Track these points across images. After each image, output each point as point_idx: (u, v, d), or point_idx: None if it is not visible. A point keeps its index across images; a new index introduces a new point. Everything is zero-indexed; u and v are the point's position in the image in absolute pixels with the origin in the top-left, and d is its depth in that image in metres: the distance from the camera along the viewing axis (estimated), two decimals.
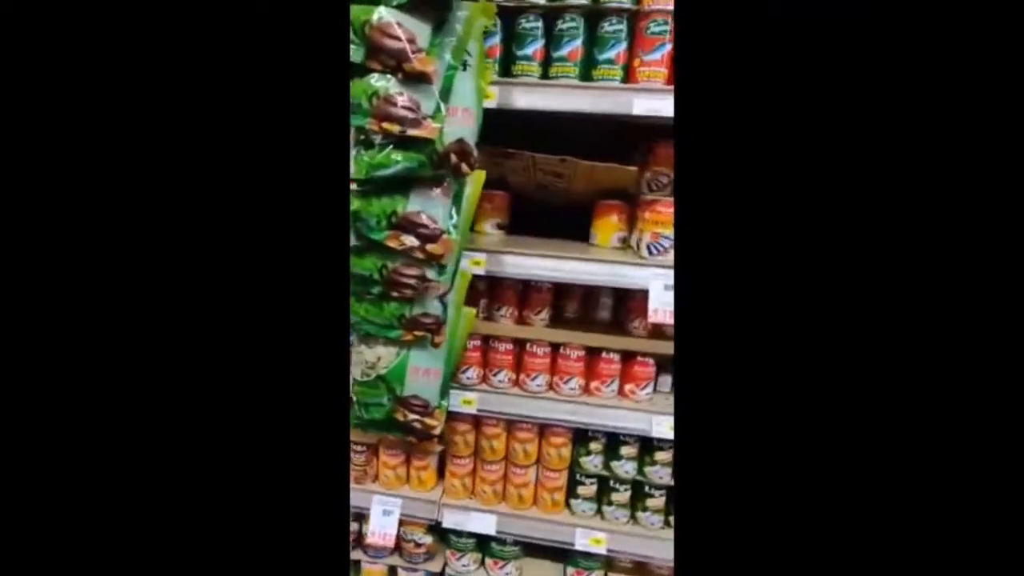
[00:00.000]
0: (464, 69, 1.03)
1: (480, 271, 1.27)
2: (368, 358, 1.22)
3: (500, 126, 1.30)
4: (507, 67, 1.21)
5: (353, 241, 1.08)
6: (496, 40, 1.18)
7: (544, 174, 1.39)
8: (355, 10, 0.91)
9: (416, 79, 0.95)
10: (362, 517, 1.53)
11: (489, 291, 1.43)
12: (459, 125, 1.00)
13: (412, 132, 0.96)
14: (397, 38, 0.91)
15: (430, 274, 1.10)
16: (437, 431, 1.23)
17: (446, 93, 1.00)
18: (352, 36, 0.93)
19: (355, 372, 1.25)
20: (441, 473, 1.52)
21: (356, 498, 1.50)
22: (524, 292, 1.41)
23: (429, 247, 1.05)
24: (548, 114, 1.18)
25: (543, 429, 1.42)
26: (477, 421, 1.43)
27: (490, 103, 1.15)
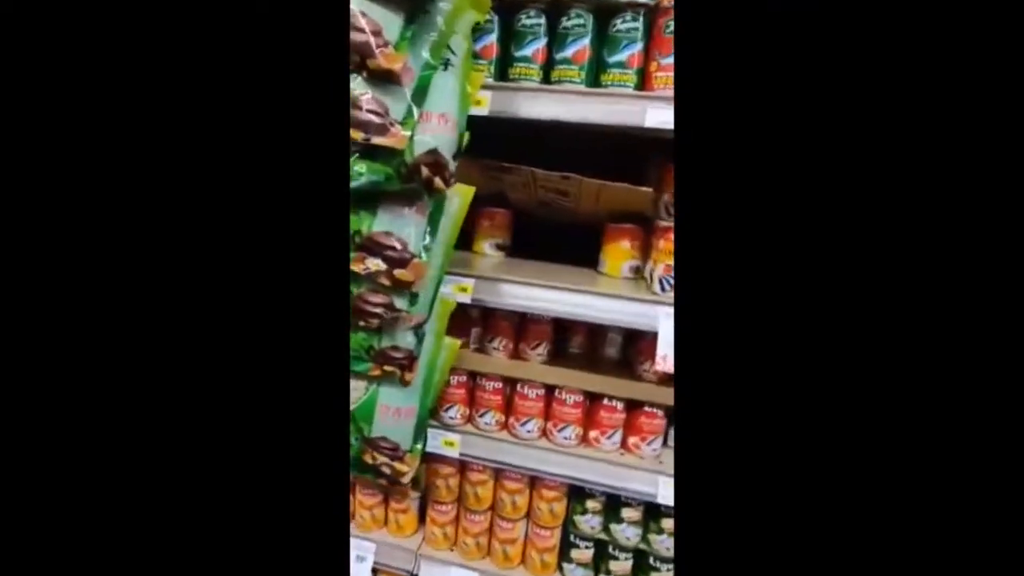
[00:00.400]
0: (445, 69, 0.89)
1: (466, 299, 1.12)
2: None
3: (498, 136, 1.15)
4: (504, 70, 1.06)
5: None
6: (492, 38, 1.03)
7: (546, 191, 1.23)
8: None
9: (383, 78, 0.81)
10: None
11: (483, 319, 1.27)
12: (434, 133, 0.86)
13: (377, 140, 0.82)
14: (360, 30, 0.78)
15: (399, 303, 0.95)
16: (406, 479, 1.08)
17: (421, 95, 0.86)
18: None
19: None
20: (423, 518, 1.37)
21: None
22: (521, 323, 1.25)
23: (397, 272, 0.91)
24: (550, 124, 1.03)
25: (534, 480, 1.24)
26: (462, 465, 1.27)
27: (481, 110, 1.01)
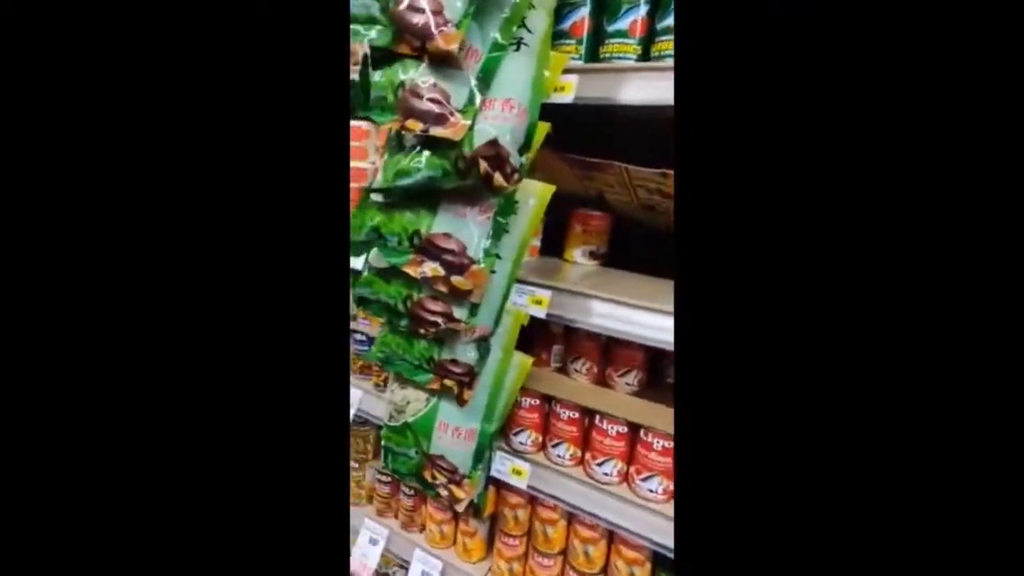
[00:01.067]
0: (517, 49, 0.77)
1: (541, 312, 0.98)
2: (397, 399, 1.03)
3: (592, 126, 1.00)
4: (595, 48, 0.91)
5: (379, 263, 0.90)
6: (583, 13, 0.89)
7: (647, 192, 1.04)
8: None
9: (443, 61, 0.73)
10: (405, 569, 1.36)
11: (565, 336, 1.13)
12: (496, 121, 0.75)
13: (435, 131, 0.74)
14: (420, 10, 0.70)
15: (458, 312, 0.86)
16: (461, 506, 0.98)
17: (485, 80, 0.75)
18: (378, 15, 0.75)
19: (384, 413, 1.07)
20: (492, 545, 1.26)
21: (399, 546, 1.34)
22: (610, 344, 1.07)
23: (455, 279, 0.82)
24: (648, 109, 0.85)
25: (612, 533, 1.06)
26: (532, 497, 1.14)
27: (564, 97, 0.87)
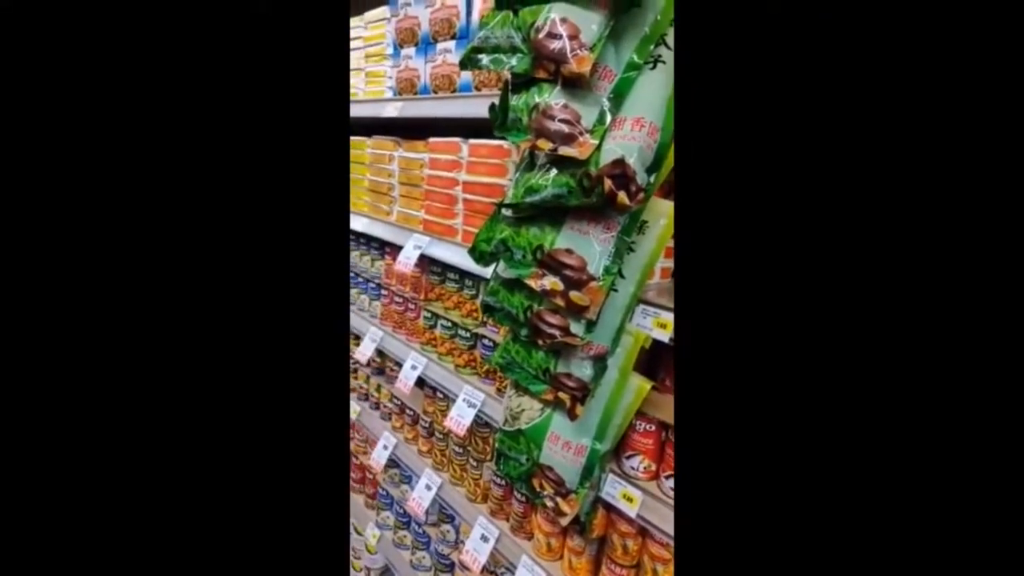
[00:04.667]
0: (653, 68, 0.77)
1: (664, 337, 0.94)
2: (512, 405, 1.07)
3: None
4: None
5: (505, 274, 0.96)
6: None
7: None
8: (524, 12, 0.79)
9: (576, 84, 0.75)
10: (510, 572, 1.40)
11: None
12: (626, 141, 0.75)
13: (563, 150, 0.76)
14: (557, 36, 0.74)
15: (575, 327, 0.87)
16: (566, 520, 0.98)
17: (618, 100, 0.76)
18: (520, 44, 0.81)
19: (499, 416, 1.13)
20: (599, 568, 1.24)
21: (508, 548, 1.38)
22: None
23: (572, 295, 0.83)
24: None
25: None
26: (644, 529, 1.09)
27: None
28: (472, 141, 1.27)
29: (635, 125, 0.75)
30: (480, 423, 1.44)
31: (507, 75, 0.86)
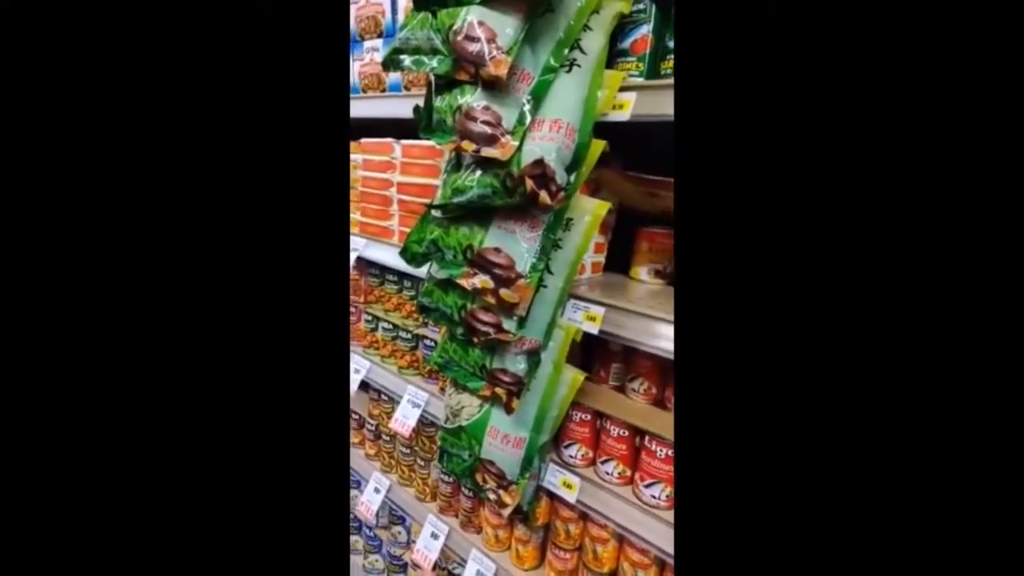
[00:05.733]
0: (569, 71, 0.80)
1: (593, 329, 0.98)
2: (452, 403, 1.09)
3: (654, 143, 0.99)
4: (656, 65, 0.90)
5: (438, 274, 0.97)
6: (646, 30, 0.89)
7: None
8: (442, 15, 0.80)
9: (495, 86, 0.77)
10: (460, 566, 1.41)
11: (624, 354, 1.11)
12: (545, 142, 0.78)
13: (485, 152, 0.78)
14: (475, 39, 0.76)
15: (507, 324, 0.89)
16: (507, 511, 1.01)
17: (536, 102, 0.78)
18: (440, 46, 0.81)
19: (442, 415, 1.14)
20: (545, 555, 1.28)
21: (458, 544, 1.40)
22: (669, 365, 1.05)
23: (503, 292, 0.85)
24: None
25: (664, 563, 1.02)
26: (584, 513, 1.14)
27: (622, 115, 0.88)
28: (405, 142, 1.26)
29: (553, 126, 0.78)
30: (425, 423, 1.44)
31: (430, 76, 0.86)
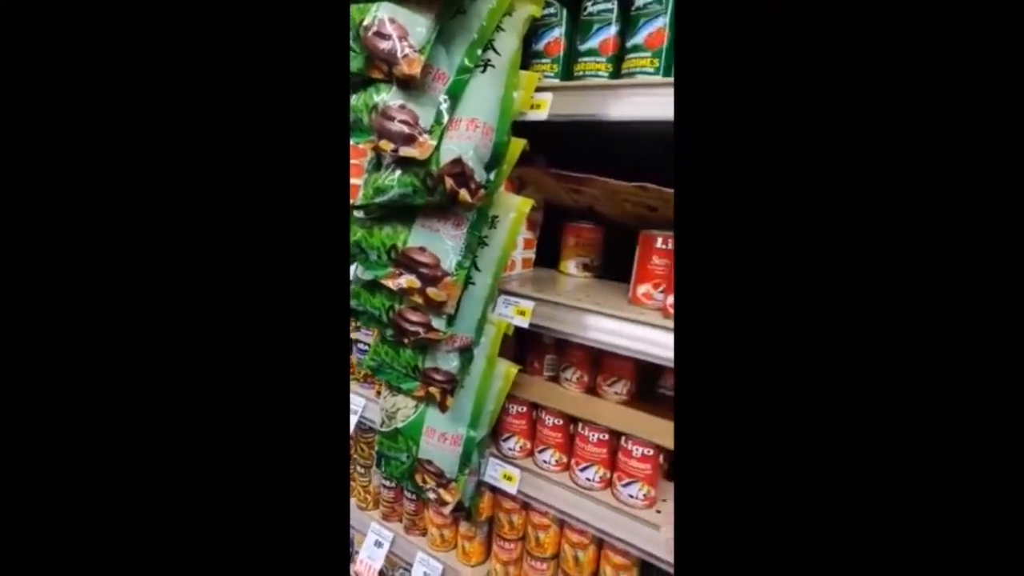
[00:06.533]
0: (484, 71, 0.81)
1: (523, 323, 1.01)
2: (388, 406, 1.07)
3: (576, 141, 1.03)
4: (569, 67, 0.94)
5: (364, 276, 0.95)
6: (558, 33, 0.92)
7: (633, 205, 1.05)
8: (352, 10, 0.79)
9: (410, 85, 0.77)
10: (408, 571, 1.40)
11: (556, 346, 1.15)
12: (463, 141, 0.79)
13: (404, 151, 0.78)
14: (386, 36, 0.75)
15: (436, 323, 0.90)
16: (448, 508, 1.01)
17: (452, 101, 0.79)
18: (352, 42, 0.80)
19: (377, 419, 1.12)
20: (490, 546, 1.29)
21: (403, 548, 1.38)
22: (599, 354, 1.09)
23: (429, 291, 0.86)
24: (623, 125, 0.87)
25: (602, 540, 1.07)
26: (525, 503, 1.16)
27: (539, 114, 0.90)
28: None
29: (470, 125, 0.79)
30: (363, 428, 1.41)
31: None
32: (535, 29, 0.93)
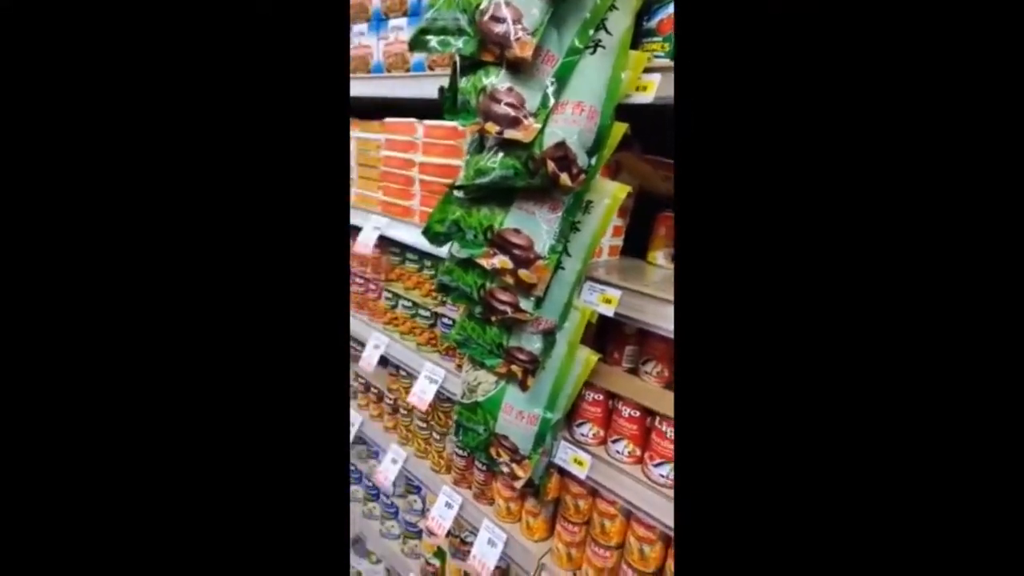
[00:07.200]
0: (593, 52, 0.80)
1: (609, 311, 1.00)
2: (469, 379, 1.12)
3: (672, 125, 0.99)
4: None
5: (459, 254, 0.99)
6: (671, 10, 0.88)
7: None
8: None
9: (520, 68, 0.78)
10: (474, 535, 1.47)
11: (639, 337, 1.13)
12: (567, 125, 0.78)
13: (508, 134, 0.79)
14: (501, 20, 0.76)
15: (524, 303, 0.91)
16: (519, 483, 1.05)
17: (560, 84, 0.79)
18: (467, 26, 0.82)
19: (458, 390, 1.17)
20: (554, 527, 1.32)
21: (471, 514, 1.45)
22: None
23: (521, 272, 0.87)
24: None
25: (670, 539, 1.05)
26: (594, 489, 1.17)
27: (645, 97, 0.87)
28: (427, 122, 1.27)
29: (576, 109, 0.79)
30: (442, 398, 1.48)
31: (455, 57, 0.87)
32: (648, 5, 0.89)
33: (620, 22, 0.81)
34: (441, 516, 1.48)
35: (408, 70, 1.33)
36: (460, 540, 1.53)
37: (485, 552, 1.38)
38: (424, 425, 1.58)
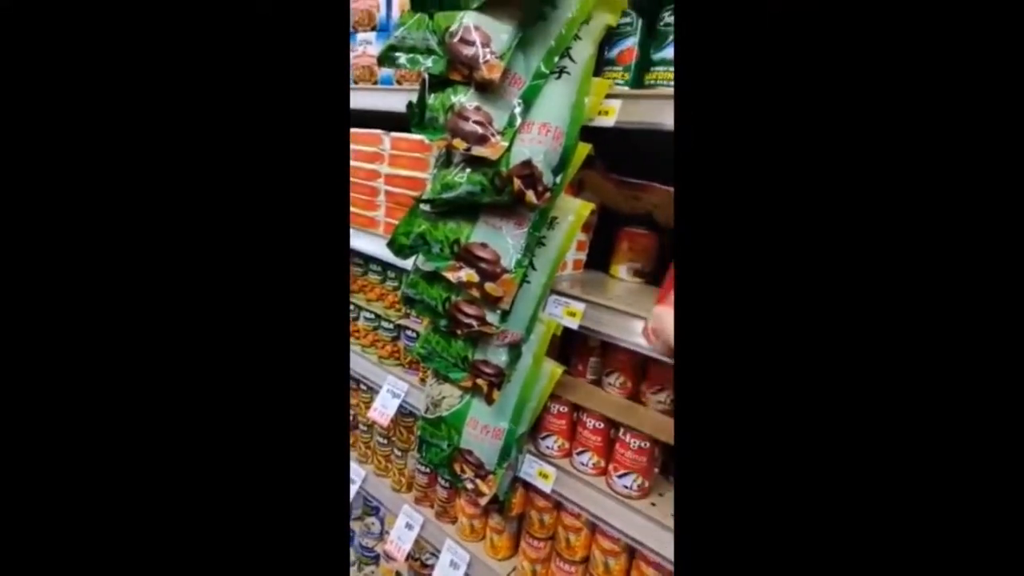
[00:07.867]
0: (559, 77, 0.83)
1: (573, 324, 1.02)
2: (434, 393, 1.11)
3: (638, 147, 1.03)
4: (640, 76, 0.94)
5: (424, 267, 0.99)
6: (632, 42, 0.93)
7: None
8: (438, 17, 0.83)
9: (488, 88, 0.80)
10: (435, 556, 1.44)
11: (602, 349, 1.16)
12: (533, 144, 0.81)
13: (476, 151, 0.81)
14: (470, 43, 0.78)
15: (490, 317, 0.92)
16: (484, 500, 1.04)
17: (526, 105, 0.82)
18: (436, 47, 0.84)
19: (422, 405, 1.16)
20: (519, 544, 1.31)
21: (432, 534, 1.42)
22: (645, 361, 1.09)
23: (487, 286, 0.88)
24: None
25: (634, 549, 1.07)
26: (558, 503, 1.18)
27: (607, 120, 0.91)
28: (394, 134, 1.28)
29: (542, 129, 0.81)
30: (404, 413, 1.46)
31: (424, 74, 0.89)
32: (609, 37, 0.94)
33: (583, 51, 0.85)
34: (401, 539, 1.45)
35: (375, 83, 1.34)
36: (420, 563, 1.49)
37: (447, 575, 1.35)
38: (385, 441, 1.55)
